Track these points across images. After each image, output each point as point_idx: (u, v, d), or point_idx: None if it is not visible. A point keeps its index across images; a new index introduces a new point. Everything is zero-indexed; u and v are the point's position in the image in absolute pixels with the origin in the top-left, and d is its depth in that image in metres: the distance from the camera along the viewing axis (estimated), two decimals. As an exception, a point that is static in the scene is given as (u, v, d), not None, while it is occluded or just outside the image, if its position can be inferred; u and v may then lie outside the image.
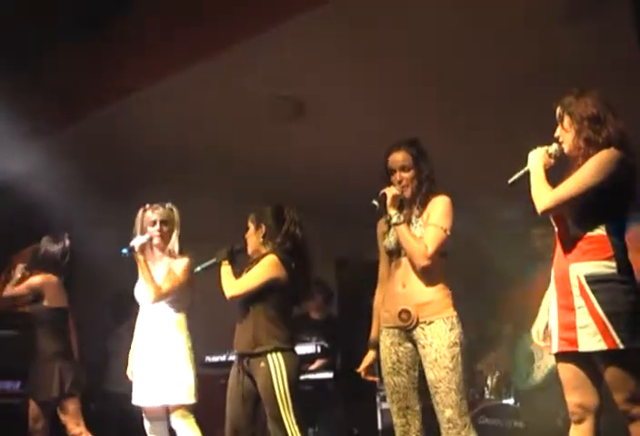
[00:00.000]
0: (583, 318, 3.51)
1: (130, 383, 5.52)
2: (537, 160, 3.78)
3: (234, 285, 4.96)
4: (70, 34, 6.71)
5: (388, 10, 5.64)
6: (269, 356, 4.82)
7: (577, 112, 3.70)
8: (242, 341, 4.96)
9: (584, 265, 3.56)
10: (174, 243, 5.50)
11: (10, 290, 6.30)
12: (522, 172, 3.83)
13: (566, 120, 3.74)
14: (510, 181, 3.88)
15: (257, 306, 4.93)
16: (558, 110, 3.79)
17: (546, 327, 3.85)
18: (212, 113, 7.08)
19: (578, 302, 3.54)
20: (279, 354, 4.83)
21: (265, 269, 4.94)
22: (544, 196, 3.64)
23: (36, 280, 6.20)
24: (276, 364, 4.80)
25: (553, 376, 5.94)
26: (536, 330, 3.94)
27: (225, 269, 5.07)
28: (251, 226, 5.17)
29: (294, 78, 6.54)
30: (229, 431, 4.95)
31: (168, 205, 5.57)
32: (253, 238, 5.15)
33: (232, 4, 6.12)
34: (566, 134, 3.75)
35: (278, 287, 4.95)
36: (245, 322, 4.96)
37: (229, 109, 6.97)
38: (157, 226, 5.48)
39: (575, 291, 3.55)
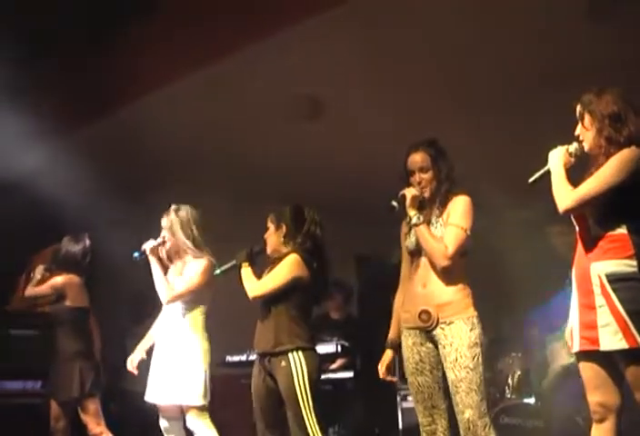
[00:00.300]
0: (604, 317, 3.49)
1: (146, 382, 5.55)
2: (558, 159, 3.76)
3: (257, 286, 4.96)
4: (87, 35, 6.74)
5: (404, 10, 5.65)
6: (290, 355, 4.82)
7: (598, 110, 3.67)
8: (263, 341, 4.95)
9: (604, 264, 3.54)
10: (181, 245, 5.53)
11: (32, 290, 6.32)
12: (542, 171, 3.81)
13: (587, 118, 3.72)
14: (530, 180, 3.86)
15: (279, 306, 4.93)
16: (578, 108, 3.76)
17: None
18: (226, 114, 7.10)
19: (599, 300, 3.52)
20: (300, 353, 4.83)
21: (288, 268, 4.93)
22: (565, 196, 3.62)
23: (59, 280, 6.23)
24: (297, 363, 4.80)
25: (564, 375, 5.97)
26: (570, 331, 3.88)
27: (246, 270, 5.07)
28: (271, 226, 5.17)
29: (309, 79, 6.55)
30: (260, 431, 4.96)
31: (172, 208, 5.59)
32: (273, 238, 5.15)
33: (247, 5, 6.12)
34: (587, 133, 3.72)
35: (301, 286, 4.95)
36: (267, 322, 4.96)
37: (244, 109, 6.98)
38: (162, 233, 5.55)
39: (596, 289, 3.54)
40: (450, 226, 4.27)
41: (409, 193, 4.33)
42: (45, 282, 6.29)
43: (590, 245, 3.62)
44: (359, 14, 5.71)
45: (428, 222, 4.33)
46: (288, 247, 5.07)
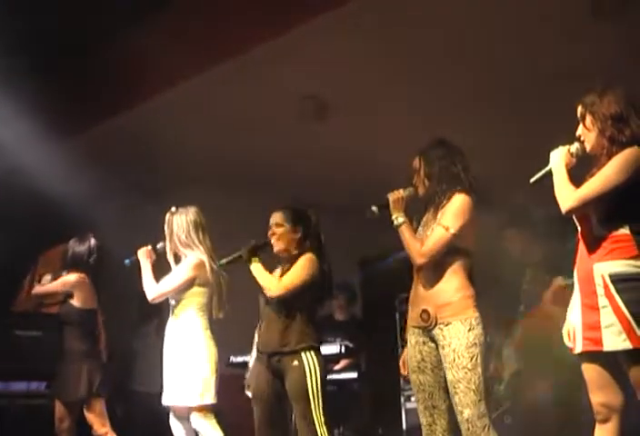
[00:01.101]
0: (607, 317, 3.49)
1: (154, 383, 5.57)
2: (559, 159, 3.77)
3: (279, 284, 4.93)
4: (103, 34, 6.75)
5: (415, 8, 5.65)
6: (303, 354, 4.82)
7: (600, 111, 3.67)
8: (272, 341, 4.94)
9: (608, 265, 3.54)
10: (176, 245, 5.59)
11: (41, 288, 6.33)
12: (544, 171, 3.83)
13: (589, 119, 3.72)
14: (532, 180, 3.88)
15: (292, 305, 4.92)
16: (580, 109, 3.77)
17: None
18: (238, 114, 7.11)
19: (602, 301, 3.52)
20: (312, 353, 4.84)
21: (308, 268, 4.95)
22: (568, 196, 3.62)
23: (71, 278, 6.24)
24: (310, 363, 4.80)
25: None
26: (567, 330, 3.88)
27: (258, 266, 5.02)
28: (286, 225, 5.14)
29: (319, 78, 6.56)
30: (259, 432, 4.96)
31: (170, 211, 5.66)
32: (287, 237, 5.12)
33: (257, 3, 6.13)
34: (589, 134, 3.73)
35: (314, 286, 4.97)
36: (276, 321, 4.94)
37: (256, 109, 6.99)
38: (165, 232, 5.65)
39: (600, 290, 3.53)
40: (436, 226, 4.29)
41: (392, 196, 4.42)
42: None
43: (593, 246, 3.61)
44: (372, 12, 5.72)
45: (418, 223, 4.40)
46: (299, 248, 5.09)
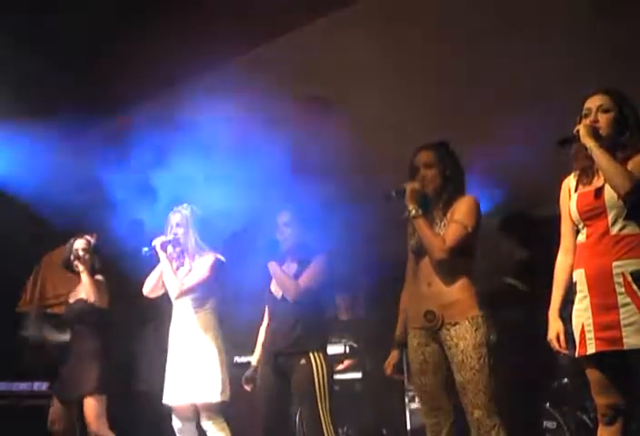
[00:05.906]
0: (629, 315, 3.47)
1: (155, 383, 5.56)
2: (590, 135, 3.64)
3: (298, 286, 4.97)
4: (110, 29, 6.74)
5: (419, 8, 5.65)
6: (311, 354, 4.85)
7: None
8: (281, 339, 4.96)
9: (629, 262, 3.51)
10: (192, 242, 5.56)
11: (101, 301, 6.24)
12: (572, 135, 3.70)
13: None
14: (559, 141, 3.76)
15: (304, 305, 4.95)
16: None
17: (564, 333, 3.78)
18: (241, 112, 7.09)
19: (623, 299, 3.49)
20: (320, 353, 4.87)
21: (323, 269, 5.02)
22: (625, 176, 3.54)
23: (102, 282, 6.25)
24: (318, 362, 4.84)
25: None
26: (556, 335, 3.83)
27: (276, 265, 5.05)
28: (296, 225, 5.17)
29: (324, 77, 6.55)
30: (266, 431, 4.96)
31: (185, 206, 5.65)
32: (298, 238, 5.15)
33: (262, 3, 6.13)
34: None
35: (324, 287, 5.03)
36: (286, 321, 4.99)
37: (258, 107, 6.98)
38: (173, 229, 5.59)
39: (619, 288, 3.51)
40: (451, 222, 4.28)
41: (409, 186, 4.35)
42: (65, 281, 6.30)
43: (609, 245, 3.57)
44: (384, 11, 5.72)
45: (432, 221, 4.34)
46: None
